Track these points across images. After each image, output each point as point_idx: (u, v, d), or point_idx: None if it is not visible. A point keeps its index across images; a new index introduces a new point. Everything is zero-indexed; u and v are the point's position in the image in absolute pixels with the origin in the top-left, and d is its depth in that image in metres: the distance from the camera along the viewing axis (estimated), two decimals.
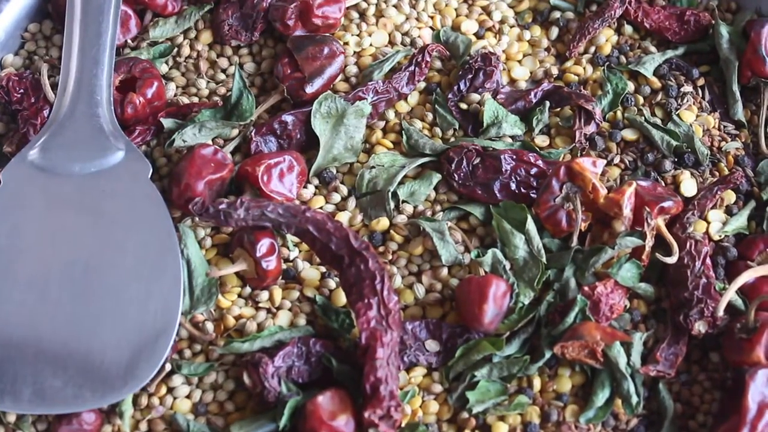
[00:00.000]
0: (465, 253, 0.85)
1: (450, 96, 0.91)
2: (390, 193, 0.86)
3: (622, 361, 0.79)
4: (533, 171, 0.86)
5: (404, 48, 0.94)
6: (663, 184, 0.87)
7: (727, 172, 0.89)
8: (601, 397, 0.79)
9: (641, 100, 0.92)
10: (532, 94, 0.91)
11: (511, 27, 0.97)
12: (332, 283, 0.84)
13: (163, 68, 0.94)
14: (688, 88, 0.92)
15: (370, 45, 0.95)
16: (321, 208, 0.88)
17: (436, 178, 0.88)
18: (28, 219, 0.83)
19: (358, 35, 0.95)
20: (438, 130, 0.91)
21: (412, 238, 0.86)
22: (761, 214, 0.87)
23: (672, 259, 0.82)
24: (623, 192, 0.82)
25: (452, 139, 0.90)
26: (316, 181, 0.89)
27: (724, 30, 0.94)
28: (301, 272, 0.85)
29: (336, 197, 0.88)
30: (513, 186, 0.86)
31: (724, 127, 0.91)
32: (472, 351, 0.80)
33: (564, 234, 0.84)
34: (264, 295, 0.83)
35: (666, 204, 0.83)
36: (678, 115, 0.90)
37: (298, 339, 0.80)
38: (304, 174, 0.87)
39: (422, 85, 0.93)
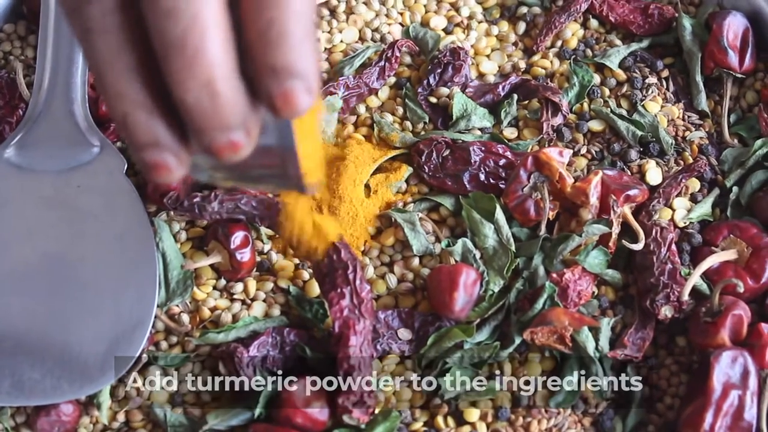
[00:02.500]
0: (436, 243, 0.86)
1: (420, 90, 0.93)
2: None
3: (591, 346, 0.80)
4: (502, 162, 0.88)
5: (374, 44, 0.96)
6: (629, 173, 0.89)
7: (691, 160, 0.90)
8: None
9: (607, 92, 0.93)
10: (501, 87, 0.92)
11: (479, 22, 0.98)
12: (306, 274, 0.85)
13: None
14: (652, 79, 0.94)
15: (341, 41, 0.96)
16: None
17: (407, 170, 0.89)
18: (5, 216, 0.84)
19: (328, 32, 0.96)
20: (408, 123, 0.92)
21: (384, 229, 0.87)
22: (725, 201, 0.89)
23: (638, 246, 0.83)
24: (590, 181, 0.84)
25: (422, 132, 0.92)
26: None
27: (687, 22, 0.95)
28: (275, 264, 0.86)
29: None
30: (482, 177, 0.87)
31: (688, 117, 0.93)
32: (444, 338, 0.82)
33: (532, 223, 0.86)
34: (239, 287, 0.84)
35: (632, 192, 0.85)
36: (643, 106, 0.92)
37: (273, 329, 0.81)
38: None
39: (392, 80, 0.95)
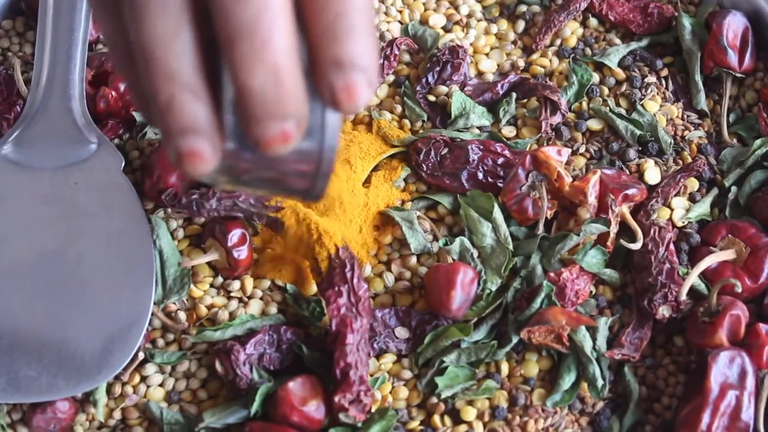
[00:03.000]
0: (433, 241, 0.86)
1: (418, 88, 0.93)
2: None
3: (588, 346, 0.80)
4: (500, 161, 0.87)
5: None
6: (627, 173, 0.88)
7: (690, 160, 0.90)
8: (568, 380, 0.80)
9: (606, 90, 0.93)
10: (499, 86, 0.92)
11: (479, 21, 0.98)
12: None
13: None
14: (651, 78, 0.93)
15: None
16: None
17: (404, 171, 0.89)
18: (1, 212, 0.84)
19: None
20: (407, 121, 0.92)
21: (382, 227, 0.87)
22: (723, 201, 0.89)
23: (636, 246, 0.83)
24: (588, 180, 0.84)
25: (421, 131, 0.92)
26: None
27: (686, 22, 0.95)
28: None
29: None
30: (480, 175, 0.87)
31: (687, 116, 0.93)
32: (441, 337, 0.82)
33: (530, 222, 0.85)
34: (236, 285, 0.84)
35: (630, 191, 0.85)
36: (642, 105, 0.91)
37: (270, 327, 0.81)
38: None
39: (391, 78, 0.95)
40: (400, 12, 0.98)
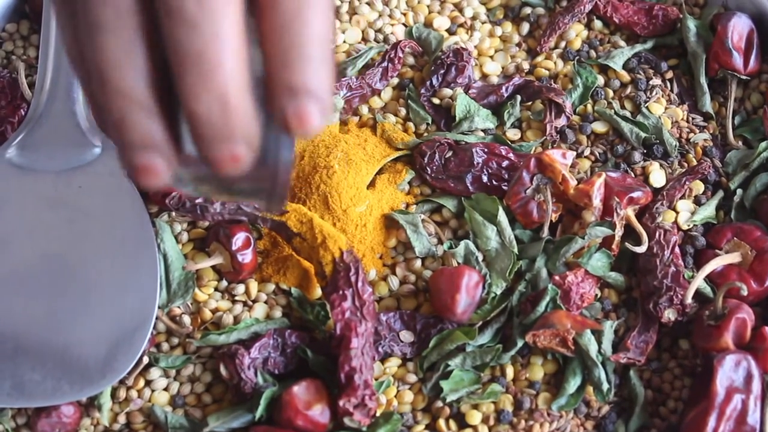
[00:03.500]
0: (438, 245, 0.86)
1: (423, 91, 0.93)
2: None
3: (593, 349, 0.80)
4: (504, 164, 0.87)
5: (377, 44, 0.96)
6: (632, 175, 0.88)
7: (695, 163, 0.90)
8: (573, 384, 0.80)
9: (611, 93, 0.93)
10: (504, 88, 0.92)
11: (483, 23, 0.98)
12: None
13: None
14: (656, 81, 0.93)
15: (344, 42, 0.96)
16: None
17: (408, 174, 0.89)
18: (6, 216, 0.84)
19: None
20: (411, 124, 0.92)
21: (386, 230, 0.87)
22: (729, 204, 0.88)
23: (641, 249, 0.83)
24: (593, 183, 0.84)
25: (425, 134, 0.91)
26: None
27: (691, 24, 0.95)
28: None
29: None
30: (485, 178, 0.87)
31: (693, 118, 0.92)
32: (446, 341, 0.81)
33: (535, 225, 0.85)
34: (240, 288, 0.84)
35: (635, 194, 0.85)
36: (647, 108, 0.91)
37: (274, 331, 0.81)
38: None
39: (395, 80, 0.94)
40: (404, 14, 0.98)
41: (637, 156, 0.89)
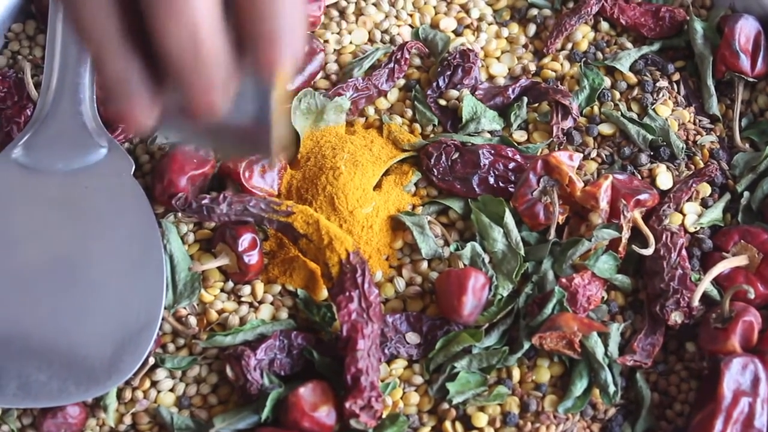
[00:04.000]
0: (444, 246, 0.86)
1: (429, 92, 0.92)
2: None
3: (600, 352, 0.80)
4: (511, 165, 0.87)
5: (384, 45, 0.96)
6: (639, 178, 0.88)
7: (702, 165, 0.89)
8: (579, 387, 0.80)
9: (617, 95, 0.93)
10: (510, 90, 0.92)
11: (489, 24, 0.98)
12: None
13: None
14: (663, 83, 0.93)
15: (350, 43, 0.96)
16: None
17: (415, 176, 0.89)
18: (12, 216, 0.83)
19: (338, 33, 0.96)
20: (418, 126, 0.92)
21: (393, 232, 0.87)
22: (736, 207, 0.88)
23: (648, 251, 0.83)
24: (600, 185, 0.84)
25: (432, 135, 0.91)
26: None
27: (698, 26, 0.95)
28: None
29: None
30: (491, 180, 0.87)
31: (699, 121, 0.92)
32: (452, 343, 0.81)
33: (542, 227, 0.85)
34: (246, 290, 0.84)
35: (642, 197, 0.85)
36: (654, 110, 0.91)
37: (280, 332, 0.80)
38: (285, 170, 0.88)
39: (402, 81, 0.94)
40: (411, 16, 0.98)
41: (643, 158, 0.89)
